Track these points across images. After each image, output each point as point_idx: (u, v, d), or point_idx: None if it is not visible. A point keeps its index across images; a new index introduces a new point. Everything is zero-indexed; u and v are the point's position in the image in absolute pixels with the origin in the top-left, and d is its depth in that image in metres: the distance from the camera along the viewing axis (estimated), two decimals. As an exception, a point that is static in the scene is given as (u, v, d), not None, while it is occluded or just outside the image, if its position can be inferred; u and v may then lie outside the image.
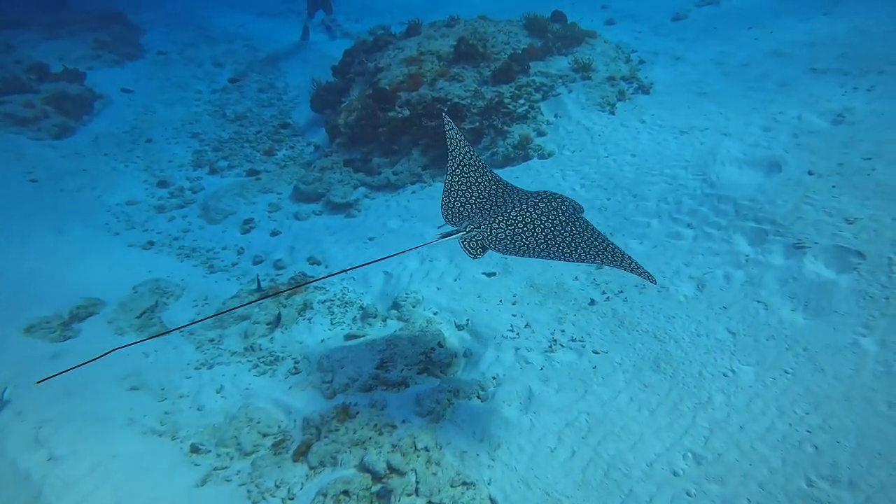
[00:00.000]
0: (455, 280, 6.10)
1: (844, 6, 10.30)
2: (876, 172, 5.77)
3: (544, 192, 4.10)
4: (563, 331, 5.19)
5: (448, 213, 4.01)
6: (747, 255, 5.42)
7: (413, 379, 4.98)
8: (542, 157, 8.06)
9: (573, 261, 3.53)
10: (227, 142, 10.50)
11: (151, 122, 11.40)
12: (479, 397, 4.72)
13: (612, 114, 8.55)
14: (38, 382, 4.51)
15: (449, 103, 8.14)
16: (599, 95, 8.72)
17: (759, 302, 4.96)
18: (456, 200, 4.05)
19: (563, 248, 3.57)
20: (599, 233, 3.72)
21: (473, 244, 3.67)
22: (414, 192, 7.99)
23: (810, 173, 6.05)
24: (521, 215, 3.79)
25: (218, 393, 5.06)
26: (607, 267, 5.66)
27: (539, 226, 3.71)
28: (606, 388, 4.57)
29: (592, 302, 5.42)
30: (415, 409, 4.63)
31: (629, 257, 3.51)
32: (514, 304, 5.62)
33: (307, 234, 7.63)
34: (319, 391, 4.97)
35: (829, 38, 9.19)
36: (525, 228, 3.71)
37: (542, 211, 3.82)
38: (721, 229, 5.80)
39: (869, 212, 5.33)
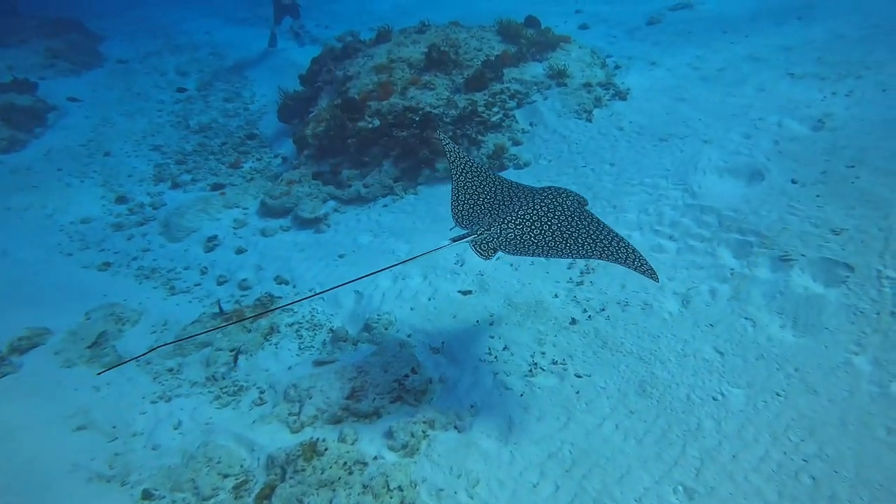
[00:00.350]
0: (429, 300, 5.81)
1: (819, 10, 10.27)
2: (860, 180, 5.62)
3: (549, 187, 4.13)
4: (543, 353, 4.93)
5: (458, 217, 4.05)
6: (732, 269, 5.22)
7: (386, 409, 4.69)
8: (517, 166, 7.81)
9: (581, 258, 3.59)
10: (190, 154, 10.03)
11: (110, 134, 10.86)
12: (455, 427, 4.43)
13: (589, 121, 8.34)
14: (100, 373, 4.70)
15: (421, 112, 7.85)
16: (576, 102, 8.50)
17: (746, 318, 4.76)
18: (464, 204, 4.10)
19: (571, 244, 3.62)
20: (604, 225, 3.74)
21: (485, 246, 3.70)
22: (385, 206, 7.67)
23: (793, 182, 5.89)
24: (528, 214, 3.82)
25: (176, 429, 4.70)
26: (589, 279, 5.51)
27: (546, 223, 3.75)
28: (590, 416, 4.32)
29: (573, 321, 5.17)
30: (387, 442, 4.34)
31: (633, 250, 3.52)
32: (491, 324, 5.35)
33: (274, 251, 7.26)
34: (285, 424, 4.66)
35: (804, 43, 9.12)
36: (532, 227, 3.74)
37: (547, 208, 3.84)
38: (704, 241, 5.61)
39: (855, 222, 5.18)
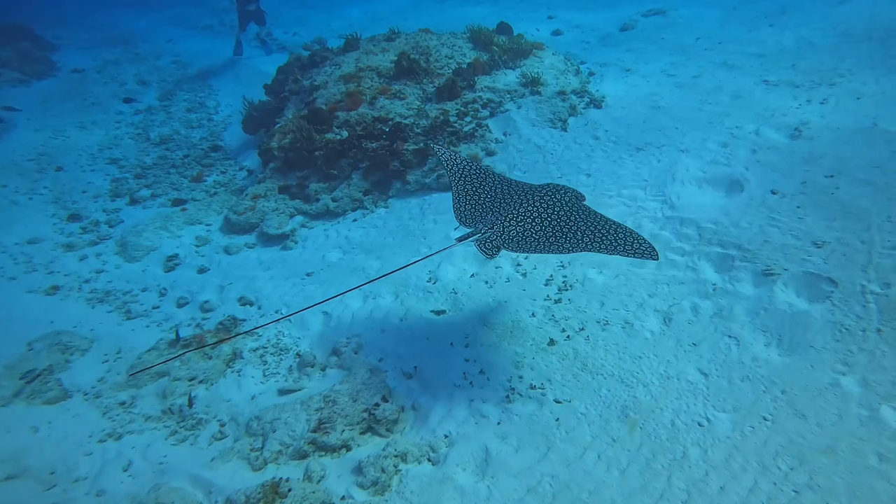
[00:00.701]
0: (401, 320, 5.53)
1: (789, 17, 10.31)
2: (840, 191, 5.51)
3: (548, 184, 4.25)
4: (520, 377, 4.67)
5: (461, 216, 4.13)
6: (714, 284, 5.04)
7: (355, 441, 4.42)
8: (492, 177, 7.57)
9: (582, 251, 3.69)
10: (150, 168, 9.55)
11: (63, 147, 10.29)
12: (429, 460, 4.17)
13: (564, 130, 8.14)
14: (132, 375, 4.57)
15: (390, 123, 7.57)
16: (550, 111, 8.30)
17: (730, 337, 4.57)
18: (466, 204, 4.18)
19: (572, 238, 3.74)
20: (602, 216, 3.89)
21: (489, 245, 3.78)
22: (355, 220, 7.35)
23: (773, 192, 5.76)
24: (529, 212, 3.94)
25: (125, 471, 4.33)
26: (567, 296, 5.27)
27: (547, 219, 3.88)
28: (571, 445, 4.07)
29: (552, 342, 4.92)
30: (357, 479, 4.06)
31: (631, 233, 3.72)
32: (466, 346, 5.08)
33: (238, 270, 6.89)
34: (247, 462, 4.35)
35: (777, 50, 9.10)
36: (533, 224, 3.87)
37: (547, 204, 3.98)
38: (685, 255, 5.42)
39: (836, 234, 5.05)
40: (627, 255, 3.62)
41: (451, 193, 7.08)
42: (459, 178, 4.30)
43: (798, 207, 5.47)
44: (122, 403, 4.99)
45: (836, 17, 9.72)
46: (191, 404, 4.88)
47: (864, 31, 8.94)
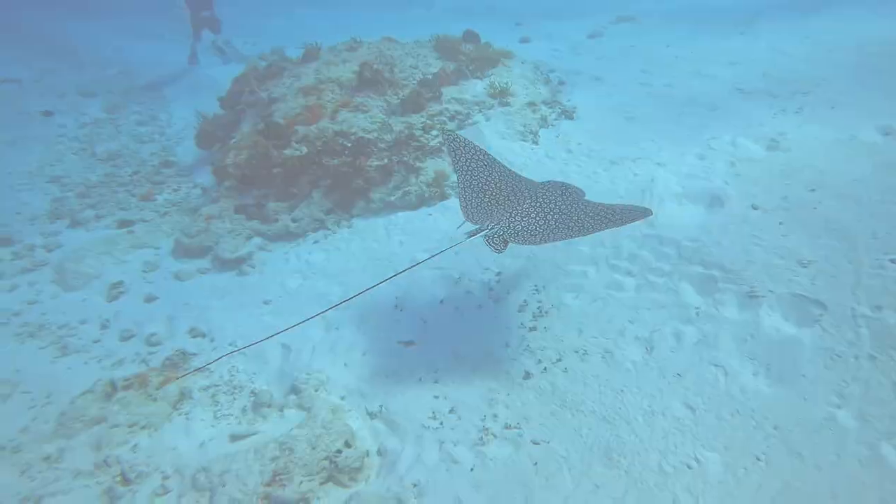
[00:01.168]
0: (364, 354, 5.12)
1: (759, 25, 10.25)
2: (822, 206, 5.29)
3: (550, 181, 4.51)
4: (495, 415, 4.32)
5: (468, 213, 4.29)
6: (697, 308, 4.75)
7: (314, 493, 4.00)
8: (461, 194, 7.21)
9: (583, 235, 3.98)
10: (95, 186, 8.86)
11: (-6, 166, 9.55)
12: (396, 514, 3.77)
13: (536, 143, 7.82)
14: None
15: (353, 138, 7.14)
16: (520, 123, 7.96)
17: (716, 366, 4.29)
18: (472, 201, 4.34)
19: (573, 227, 3.98)
20: (600, 204, 4.15)
21: (497, 240, 3.98)
22: (316, 242, 6.88)
23: (754, 208, 5.52)
24: (533, 207, 4.16)
25: (41, 545, 3.79)
26: (543, 323, 4.89)
27: (550, 212, 4.10)
28: (552, 493, 3.73)
29: (527, 375, 4.57)
30: (315, 540, 3.63)
31: (623, 206, 4.09)
32: (435, 381, 4.70)
33: (190, 298, 6.35)
34: (191, 523, 3.86)
35: (749, 58, 8.98)
36: (538, 218, 4.08)
37: (550, 199, 4.21)
38: (665, 276, 5.13)
39: (822, 252, 4.81)
40: (626, 223, 3.99)
41: (419, 211, 6.84)
42: (466, 171, 4.44)
43: (781, 224, 5.23)
44: (47, 458, 4.42)
45: (807, 28, 9.67)
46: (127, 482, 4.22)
47: (836, 40, 8.89)
